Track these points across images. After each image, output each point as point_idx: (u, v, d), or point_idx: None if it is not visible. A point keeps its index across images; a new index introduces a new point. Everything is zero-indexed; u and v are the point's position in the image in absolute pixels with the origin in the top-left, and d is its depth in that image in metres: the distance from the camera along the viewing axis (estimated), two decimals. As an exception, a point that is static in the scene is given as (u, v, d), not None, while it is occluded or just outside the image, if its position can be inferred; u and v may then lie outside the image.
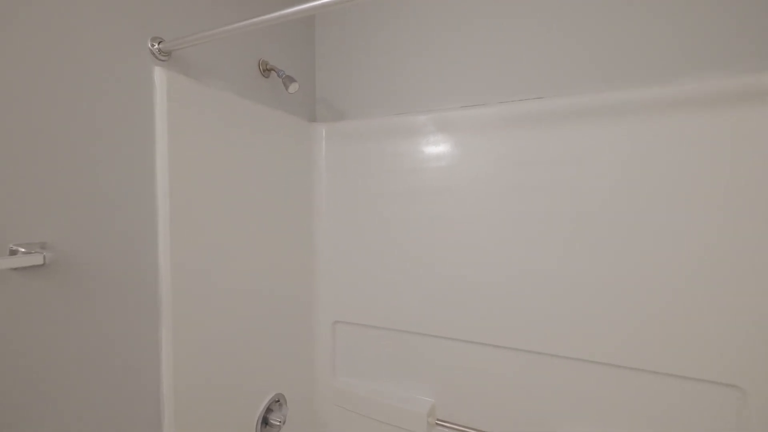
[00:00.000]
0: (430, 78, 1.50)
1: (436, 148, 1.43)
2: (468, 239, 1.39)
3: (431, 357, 1.49)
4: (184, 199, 1.06)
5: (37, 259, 0.76)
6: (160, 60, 1.01)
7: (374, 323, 1.59)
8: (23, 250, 0.75)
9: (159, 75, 0.99)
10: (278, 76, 1.36)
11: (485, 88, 1.40)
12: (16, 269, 0.76)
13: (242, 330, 1.28)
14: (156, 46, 0.99)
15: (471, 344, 1.41)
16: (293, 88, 1.36)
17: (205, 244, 1.13)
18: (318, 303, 1.70)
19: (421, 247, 1.47)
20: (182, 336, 1.07)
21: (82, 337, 0.86)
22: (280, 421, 1.38)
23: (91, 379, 0.88)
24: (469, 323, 1.39)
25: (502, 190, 1.33)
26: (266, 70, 1.39)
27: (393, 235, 1.53)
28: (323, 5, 0.80)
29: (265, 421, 1.37)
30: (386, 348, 1.59)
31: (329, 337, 1.69)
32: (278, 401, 1.45)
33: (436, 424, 1.44)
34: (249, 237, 1.31)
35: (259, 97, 1.39)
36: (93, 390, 0.89)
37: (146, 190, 0.99)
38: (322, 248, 1.68)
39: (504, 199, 1.33)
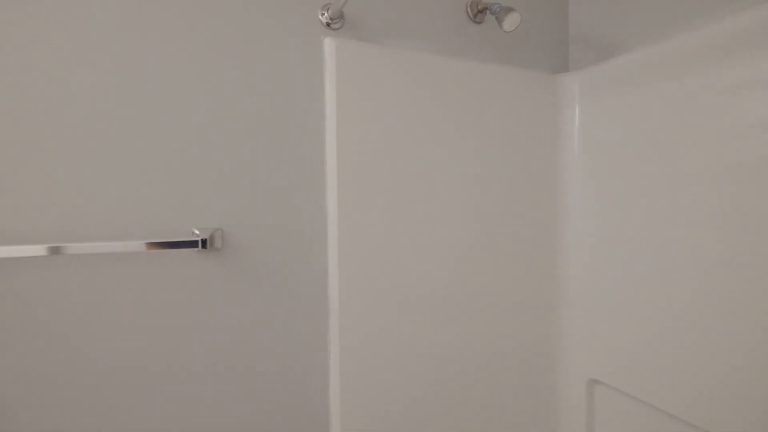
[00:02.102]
0: None
1: None
2: None
3: None
4: (354, 193, 0.90)
5: (217, 243, 0.81)
6: (332, 29, 0.90)
7: (660, 400, 0.87)
8: (197, 232, 0.81)
9: (329, 46, 0.88)
10: (491, 12, 0.97)
11: None
12: (198, 251, 0.83)
13: (430, 357, 0.99)
14: (326, 14, 0.88)
15: None
16: (510, 22, 0.93)
17: (382, 245, 0.93)
18: (562, 347, 1.13)
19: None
20: (349, 356, 0.91)
21: (251, 321, 0.86)
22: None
23: (257, 363, 0.87)
24: None
25: None
26: (479, 12, 1.03)
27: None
28: None
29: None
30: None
31: (580, 401, 1.09)
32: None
33: None
34: (448, 242, 0.99)
35: (469, 50, 1.05)
36: (253, 372, 0.88)
37: (316, 178, 0.90)
38: (570, 268, 1.11)
39: None
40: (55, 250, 0.65)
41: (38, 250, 0.64)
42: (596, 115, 1.03)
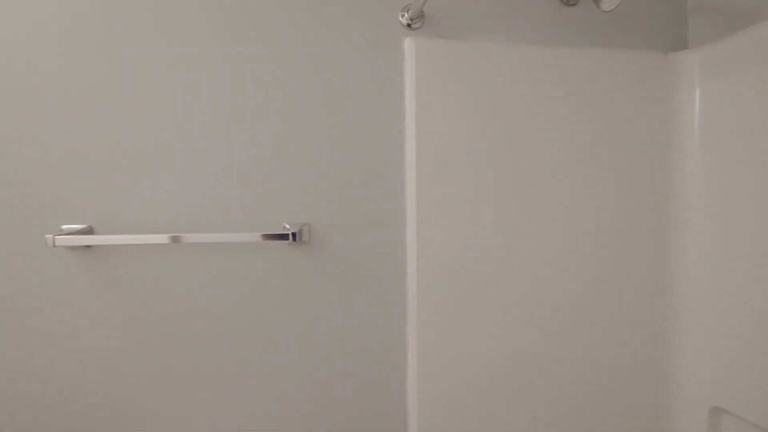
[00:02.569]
0: None
1: None
2: None
3: None
4: (433, 190, 0.90)
5: (305, 236, 0.89)
6: (412, 29, 0.91)
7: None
8: (287, 226, 0.89)
9: (409, 47, 0.89)
10: (586, -8, 0.88)
11: None
12: (289, 243, 0.91)
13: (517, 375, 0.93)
14: (405, 15, 0.90)
15: None
16: (610, 0, 0.84)
17: (462, 243, 0.91)
18: (677, 367, 0.97)
19: None
20: (427, 355, 0.91)
21: (333, 310, 0.92)
22: None
23: (337, 349, 0.93)
24: None
25: None
26: (572, -7, 0.95)
27: None
28: None
29: None
30: None
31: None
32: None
33: None
34: (535, 242, 0.94)
35: (561, 36, 0.97)
36: (333, 357, 0.93)
37: (395, 176, 0.93)
38: (688, 276, 0.95)
39: None
40: (175, 239, 0.79)
41: (162, 238, 0.79)
42: (722, 98, 0.87)
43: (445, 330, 0.91)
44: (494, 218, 0.92)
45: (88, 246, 0.84)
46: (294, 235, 0.85)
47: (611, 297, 0.97)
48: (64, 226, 0.83)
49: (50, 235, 0.76)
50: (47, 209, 0.82)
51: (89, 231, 0.84)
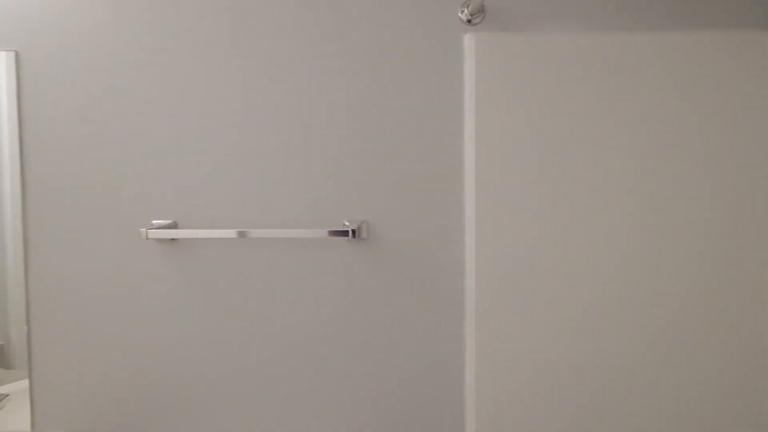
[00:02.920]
0: None
1: None
2: None
3: None
4: (493, 189, 0.88)
5: (363, 233, 0.92)
6: (472, 25, 0.90)
7: None
8: (347, 223, 0.92)
9: (469, 43, 0.88)
10: (668, -29, 0.80)
11: None
12: (348, 240, 0.94)
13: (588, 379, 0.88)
14: (465, 11, 0.89)
15: None
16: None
17: (524, 243, 0.88)
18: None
19: None
20: (485, 352, 0.89)
21: (391, 306, 0.94)
22: None
23: (393, 344, 0.94)
24: None
25: None
26: (651, -26, 0.87)
27: None
28: None
29: None
30: None
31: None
32: None
33: None
34: (608, 244, 0.87)
35: (639, 21, 0.89)
36: (397, 361, 0.94)
37: (454, 175, 0.92)
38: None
39: None
40: (241, 234, 0.86)
41: (230, 233, 0.86)
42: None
43: (506, 330, 0.89)
44: (563, 218, 0.87)
45: (172, 239, 0.94)
46: (354, 231, 0.88)
47: (712, 301, 0.87)
48: (155, 221, 0.94)
49: (144, 229, 0.87)
50: (141, 206, 0.93)
51: (174, 226, 0.94)
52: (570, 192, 0.87)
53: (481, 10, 0.88)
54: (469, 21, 0.89)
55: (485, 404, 0.89)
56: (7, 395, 1.00)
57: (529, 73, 0.86)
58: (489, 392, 0.89)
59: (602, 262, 0.88)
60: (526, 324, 0.89)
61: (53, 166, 0.93)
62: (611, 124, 0.87)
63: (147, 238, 0.87)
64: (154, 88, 0.91)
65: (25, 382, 0.98)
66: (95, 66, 0.91)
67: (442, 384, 0.94)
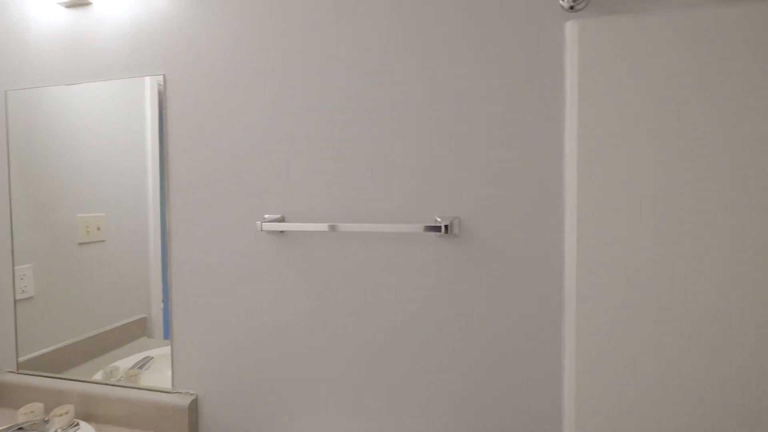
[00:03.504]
0: None
1: None
2: None
3: None
4: (597, 186, 0.83)
5: (456, 229, 0.94)
6: (574, 12, 0.85)
7: None
8: (439, 219, 0.94)
9: (570, 31, 0.84)
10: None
11: None
12: (439, 235, 0.96)
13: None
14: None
15: None
16: None
17: (632, 243, 0.81)
18: None
19: None
20: (586, 350, 0.84)
21: (484, 304, 0.93)
22: None
23: (487, 344, 0.93)
24: None
25: None
26: (804, -71, 0.73)
27: None
28: None
29: None
30: None
31: None
32: None
33: None
34: (733, 244, 0.77)
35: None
36: (489, 359, 0.93)
37: (552, 170, 0.88)
38: None
39: None
40: (332, 228, 0.93)
41: (323, 227, 0.94)
42: None
43: (610, 334, 0.83)
44: (674, 216, 0.79)
45: (281, 231, 1.06)
46: (446, 227, 0.90)
47: None
48: (266, 215, 1.06)
49: (259, 222, 0.99)
50: (256, 201, 1.06)
51: (282, 219, 1.06)
52: (680, 188, 0.78)
53: (585, -5, 0.84)
54: (571, 8, 0.84)
55: (585, 412, 0.84)
56: (152, 358, 1.21)
57: (639, 59, 0.79)
58: (590, 399, 0.84)
59: (715, 263, 0.77)
60: (633, 328, 0.82)
61: (189, 169, 1.10)
62: (733, 114, 0.75)
63: (262, 230, 0.99)
64: (268, 97, 1.03)
65: (164, 349, 1.18)
66: (221, 80, 1.06)
67: (537, 387, 0.91)
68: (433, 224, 0.91)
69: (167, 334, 1.18)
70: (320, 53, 1.00)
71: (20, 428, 0.99)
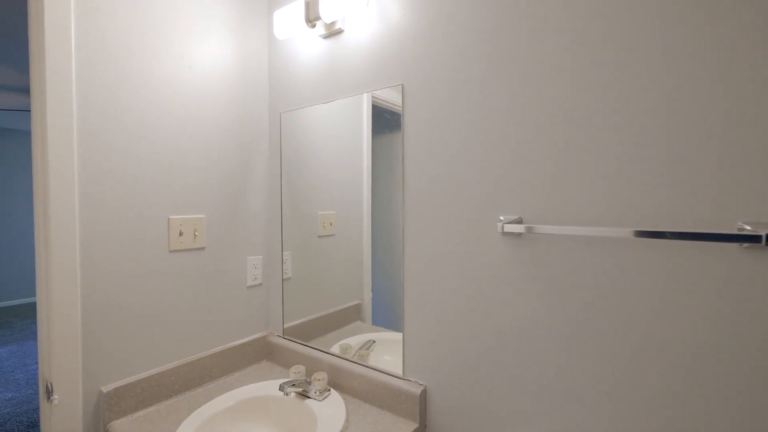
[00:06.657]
0: None
1: None
2: None
3: None
4: None
5: None
6: None
7: None
8: (749, 228, 0.73)
9: None
10: None
11: None
12: (746, 247, 0.75)
13: None
14: None
15: None
16: None
17: None
18: None
19: None
20: None
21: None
22: None
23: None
24: None
25: None
26: None
27: None
28: None
29: None
30: None
31: None
32: None
33: None
34: None
35: None
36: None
37: None
38: None
39: None
40: (639, 234, 0.79)
41: (624, 232, 0.81)
42: None
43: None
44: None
45: (518, 233, 1.01)
46: (767, 237, 0.69)
47: None
48: (502, 217, 1.03)
49: (500, 223, 0.96)
50: (493, 204, 1.04)
51: (519, 221, 1.01)
52: None
53: None
54: None
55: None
56: (375, 342, 1.34)
57: None
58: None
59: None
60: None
61: (422, 171, 1.16)
62: None
63: (503, 232, 0.96)
64: (500, 96, 1.00)
65: (377, 334, 1.31)
66: (454, 84, 1.08)
67: None
68: (741, 233, 0.71)
69: (375, 320, 1.32)
70: (563, 48, 0.90)
71: (293, 384, 1.23)
